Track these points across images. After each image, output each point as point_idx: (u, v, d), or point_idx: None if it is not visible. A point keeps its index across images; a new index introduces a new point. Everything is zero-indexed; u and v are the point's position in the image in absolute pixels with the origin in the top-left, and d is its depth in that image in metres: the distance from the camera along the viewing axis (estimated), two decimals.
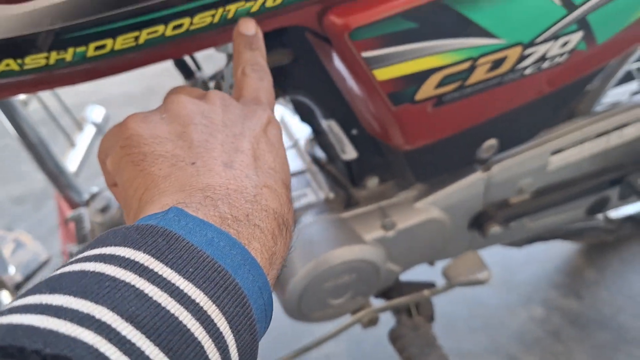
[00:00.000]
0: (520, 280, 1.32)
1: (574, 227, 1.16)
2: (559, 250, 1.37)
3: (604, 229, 1.16)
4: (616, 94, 1.03)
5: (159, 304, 0.24)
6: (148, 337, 0.22)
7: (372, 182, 0.84)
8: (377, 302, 0.93)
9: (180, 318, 0.24)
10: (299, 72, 0.67)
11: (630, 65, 0.97)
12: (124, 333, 0.22)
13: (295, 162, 0.91)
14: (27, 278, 1.09)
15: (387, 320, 0.98)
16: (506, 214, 0.92)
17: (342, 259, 0.78)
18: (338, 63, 0.58)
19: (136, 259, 0.25)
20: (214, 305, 0.25)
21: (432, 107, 0.62)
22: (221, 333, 0.25)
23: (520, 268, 1.34)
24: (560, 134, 0.88)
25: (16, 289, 1.01)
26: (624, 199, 0.99)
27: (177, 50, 0.46)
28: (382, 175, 0.85)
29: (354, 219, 0.83)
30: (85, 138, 0.99)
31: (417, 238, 0.86)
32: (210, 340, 0.24)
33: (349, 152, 0.79)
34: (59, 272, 0.25)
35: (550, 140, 0.87)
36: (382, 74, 0.56)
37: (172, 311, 0.24)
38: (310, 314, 0.84)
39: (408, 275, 0.99)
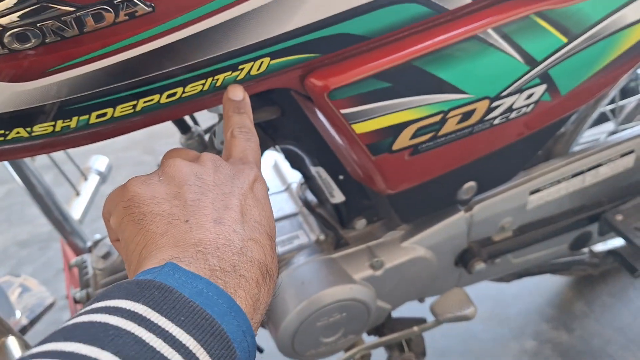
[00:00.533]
0: (512, 313, 1.35)
1: (560, 261, 1.20)
2: (549, 284, 1.40)
3: (588, 263, 1.20)
4: (593, 134, 1.10)
5: (154, 348, 0.28)
6: None
7: (361, 224, 0.89)
8: (369, 339, 0.96)
9: None
10: (287, 125, 0.73)
11: (605, 107, 1.04)
12: None
13: (287, 205, 0.96)
14: (33, 322, 1.12)
15: (380, 357, 1.02)
16: (490, 251, 0.96)
17: (333, 299, 0.82)
18: (321, 118, 0.64)
19: (136, 310, 0.30)
20: (202, 348, 0.30)
21: (409, 156, 0.67)
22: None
23: (512, 301, 1.37)
24: (538, 175, 0.93)
25: (22, 333, 1.04)
26: (603, 234, 1.03)
27: (172, 114, 0.51)
28: (369, 217, 0.89)
29: (343, 259, 0.88)
30: (89, 186, 1.04)
31: (405, 276, 0.90)
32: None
33: (337, 196, 0.84)
34: (71, 322, 0.30)
35: (528, 181, 0.92)
36: (361, 127, 0.61)
37: (165, 354, 0.28)
38: (304, 352, 0.87)
39: (401, 311, 1.03)
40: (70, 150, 1.11)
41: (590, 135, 1.08)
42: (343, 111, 0.59)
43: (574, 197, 0.98)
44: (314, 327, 0.83)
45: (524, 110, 0.69)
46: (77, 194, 1.02)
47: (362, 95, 0.58)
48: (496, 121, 0.68)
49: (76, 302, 0.84)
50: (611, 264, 1.12)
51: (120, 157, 2.43)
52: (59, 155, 1.13)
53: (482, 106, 0.65)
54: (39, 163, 0.99)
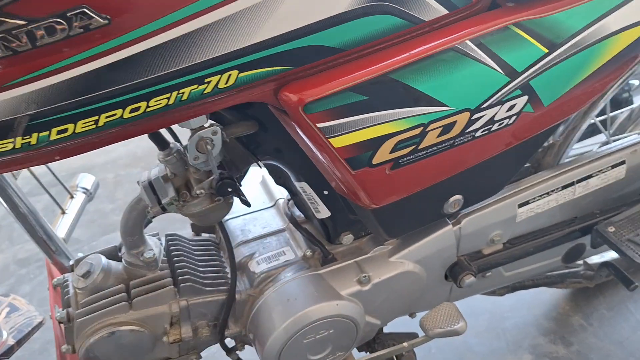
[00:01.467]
0: (508, 326, 1.32)
1: (554, 274, 1.18)
2: (546, 296, 1.38)
3: (583, 275, 1.18)
4: (585, 146, 1.08)
5: None
6: None
7: (347, 239, 0.88)
8: (360, 355, 0.94)
9: None
10: (267, 140, 0.72)
11: (595, 119, 1.03)
12: None
13: (274, 222, 0.95)
14: (20, 342, 1.11)
15: None
16: (480, 264, 0.95)
17: (320, 316, 0.81)
18: (298, 132, 0.63)
19: None
20: None
21: (390, 170, 0.66)
22: None
23: (508, 314, 1.35)
24: (526, 187, 0.91)
25: (8, 354, 1.02)
26: (596, 247, 1.02)
27: (139, 129, 0.51)
28: (356, 232, 0.88)
29: (330, 275, 0.86)
30: (75, 205, 1.03)
31: (394, 291, 0.88)
32: None
33: (323, 211, 0.83)
34: None
35: (516, 194, 0.91)
36: (338, 142, 0.60)
37: None
38: None
39: (394, 326, 1.01)
40: (58, 167, 1.10)
41: (581, 147, 1.07)
42: (319, 125, 0.58)
43: (565, 209, 0.96)
44: (301, 344, 0.81)
45: (506, 122, 0.68)
46: (63, 212, 1.00)
47: (338, 108, 0.58)
48: (478, 133, 0.67)
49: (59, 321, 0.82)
50: (606, 276, 1.10)
51: (121, 175, 2.43)
52: (43, 172, 1.12)
53: (462, 119, 0.64)
54: (22, 181, 0.98)
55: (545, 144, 0.96)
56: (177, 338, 0.81)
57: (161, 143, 0.72)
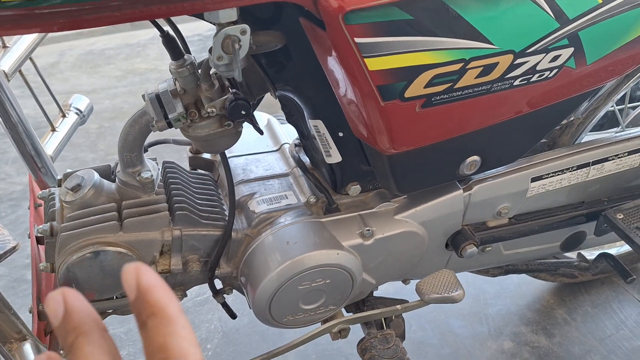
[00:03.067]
0: (491, 313, 1.30)
1: (548, 261, 1.17)
2: (531, 288, 1.37)
3: (577, 266, 1.16)
4: (597, 133, 1.06)
5: None
6: None
7: (355, 190, 0.84)
8: (348, 315, 0.90)
9: None
10: (289, 64, 0.67)
11: (614, 106, 1.01)
12: None
13: (278, 165, 0.91)
14: None
15: (357, 340, 0.96)
16: (483, 236, 0.92)
17: (318, 262, 0.77)
18: (330, 51, 0.58)
19: None
20: None
21: (421, 108, 0.62)
22: None
23: (492, 301, 1.33)
24: (543, 161, 0.89)
25: None
26: (599, 235, 1.00)
27: (162, 10, 0.45)
28: (364, 184, 0.84)
29: (333, 225, 0.82)
30: (66, 124, 0.97)
31: (394, 250, 0.85)
32: None
33: (334, 156, 0.79)
34: None
35: (531, 167, 0.88)
36: (374, 64, 0.56)
37: None
38: (280, 318, 0.81)
39: (384, 293, 0.98)
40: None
41: (594, 136, 1.05)
42: (358, 40, 0.54)
43: (575, 191, 0.94)
44: (295, 291, 0.78)
45: (546, 74, 0.64)
46: (53, 129, 0.94)
47: (380, 24, 0.53)
48: (516, 82, 0.64)
49: (37, 237, 0.76)
50: (603, 266, 1.08)
51: (104, 126, 2.36)
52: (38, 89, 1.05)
53: (505, 61, 0.60)
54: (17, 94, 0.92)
55: (565, 121, 0.94)
56: (165, 269, 0.76)
57: (175, 52, 0.67)
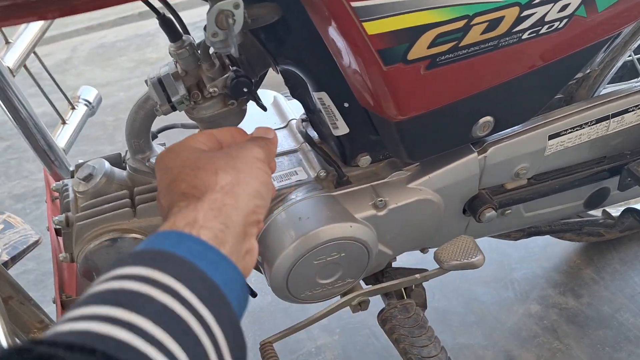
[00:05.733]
0: (516, 277, 1.29)
1: (573, 220, 1.14)
2: (557, 249, 1.34)
3: (603, 224, 1.14)
4: (615, 84, 1.02)
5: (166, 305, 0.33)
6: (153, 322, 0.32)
7: (365, 161, 0.82)
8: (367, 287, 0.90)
9: (177, 310, 0.33)
10: (288, 38, 0.66)
11: (633, 55, 0.97)
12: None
13: (286, 142, 0.90)
14: (14, 259, 1.06)
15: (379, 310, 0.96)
16: (502, 199, 0.90)
17: (332, 236, 0.76)
18: (327, 19, 0.57)
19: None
20: (195, 297, 0.34)
21: (425, 70, 0.61)
22: (199, 312, 0.34)
23: (517, 266, 1.32)
24: (560, 117, 0.86)
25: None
26: (623, 190, 0.97)
27: None
28: (374, 154, 0.83)
29: (345, 197, 0.81)
30: (76, 116, 0.97)
31: (409, 219, 0.83)
32: (194, 317, 0.33)
33: (341, 127, 0.78)
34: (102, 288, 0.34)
35: (548, 123, 0.85)
36: (373, 27, 0.54)
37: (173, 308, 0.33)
38: (298, 294, 0.81)
39: (401, 264, 0.97)
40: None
41: (613, 87, 1.01)
42: (354, 4, 0.52)
43: (596, 146, 0.91)
44: (311, 266, 0.77)
45: (556, 25, 0.62)
46: (64, 122, 0.95)
47: None
48: (525, 35, 0.61)
49: (56, 229, 0.77)
50: (630, 222, 1.05)
51: (121, 118, 2.38)
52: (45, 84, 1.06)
53: (511, 14, 0.58)
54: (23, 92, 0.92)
55: (581, 74, 0.91)
56: None
57: (173, 33, 0.66)
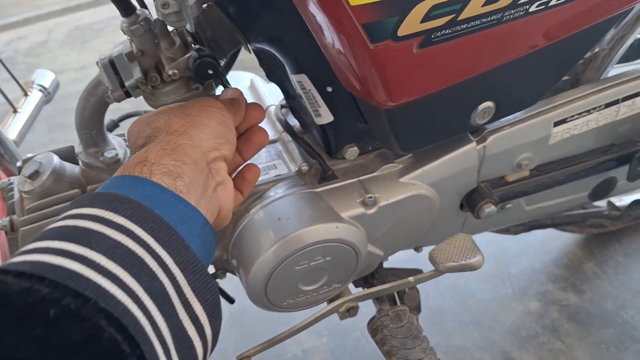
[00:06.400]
0: (514, 273, 1.21)
1: (576, 212, 1.07)
2: (557, 243, 1.27)
3: (608, 216, 1.06)
4: (624, 65, 0.94)
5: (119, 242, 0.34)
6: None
7: (351, 153, 0.74)
8: (357, 291, 0.82)
9: (131, 247, 0.34)
10: (262, 9, 0.57)
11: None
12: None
13: None
14: None
15: (371, 313, 0.88)
16: (502, 193, 0.82)
17: (315, 239, 0.68)
18: None
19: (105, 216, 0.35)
20: (151, 237, 0.35)
21: (419, 48, 0.52)
22: (155, 251, 0.35)
23: (515, 260, 1.24)
24: (565, 102, 0.78)
25: None
26: (633, 180, 0.89)
27: None
28: (362, 145, 0.74)
29: (330, 194, 0.73)
30: (30, 104, 0.87)
31: (402, 217, 0.75)
32: (150, 256, 0.34)
33: (324, 115, 0.69)
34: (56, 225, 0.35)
35: (553, 109, 0.77)
36: None
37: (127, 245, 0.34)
38: (279, 302, 0.73)
39: (394, 264, 0.89)
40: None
41: (622, 68, 0.93)
42: None
43: (603, 133, 0.83)
44: (292, 272, 0.69)
45: None
46: (15, 110, 0.85)
47: None
48: (532, 8, 0.53)
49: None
50: (637, 214, 0.98)
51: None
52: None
53: None
54: None
55: (588, 54, 0.82)
56: None
57: (125, 6, 0.56)
